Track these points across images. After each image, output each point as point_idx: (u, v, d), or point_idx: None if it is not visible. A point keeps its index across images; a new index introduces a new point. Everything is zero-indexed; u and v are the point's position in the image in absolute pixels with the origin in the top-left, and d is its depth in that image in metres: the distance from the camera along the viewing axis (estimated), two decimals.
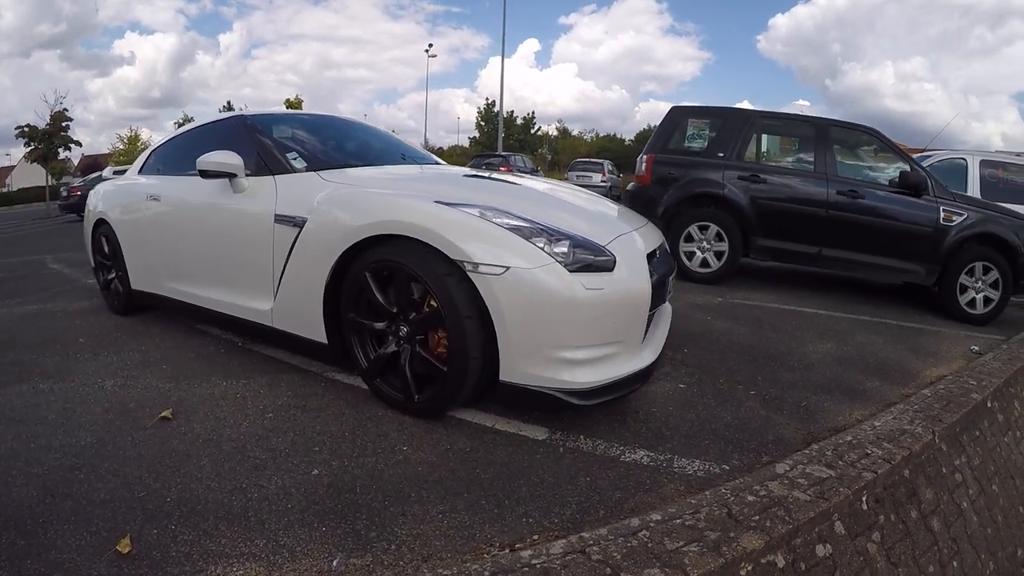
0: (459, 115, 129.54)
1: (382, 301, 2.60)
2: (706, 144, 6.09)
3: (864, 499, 2.27)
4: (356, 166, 3.51)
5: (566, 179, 21.95)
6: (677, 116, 6.35)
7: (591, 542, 1.79)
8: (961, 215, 5.33)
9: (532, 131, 54.05)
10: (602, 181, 22.56)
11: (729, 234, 5.77)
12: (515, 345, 2.26)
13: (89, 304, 5.07)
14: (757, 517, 1.92)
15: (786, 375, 3.40)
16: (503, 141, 31.33)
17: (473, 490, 2.13)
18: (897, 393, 3.30)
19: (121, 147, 44.03)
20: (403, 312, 2.58)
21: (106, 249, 4.55)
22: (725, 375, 3.33)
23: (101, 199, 4.68)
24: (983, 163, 7.32)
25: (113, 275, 4.56)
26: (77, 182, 20.25)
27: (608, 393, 2.38)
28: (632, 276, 2.43)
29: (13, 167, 62.79)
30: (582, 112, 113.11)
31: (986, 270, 5.31)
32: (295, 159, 3.33)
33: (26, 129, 27.56)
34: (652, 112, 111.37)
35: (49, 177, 30.34)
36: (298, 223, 2.88)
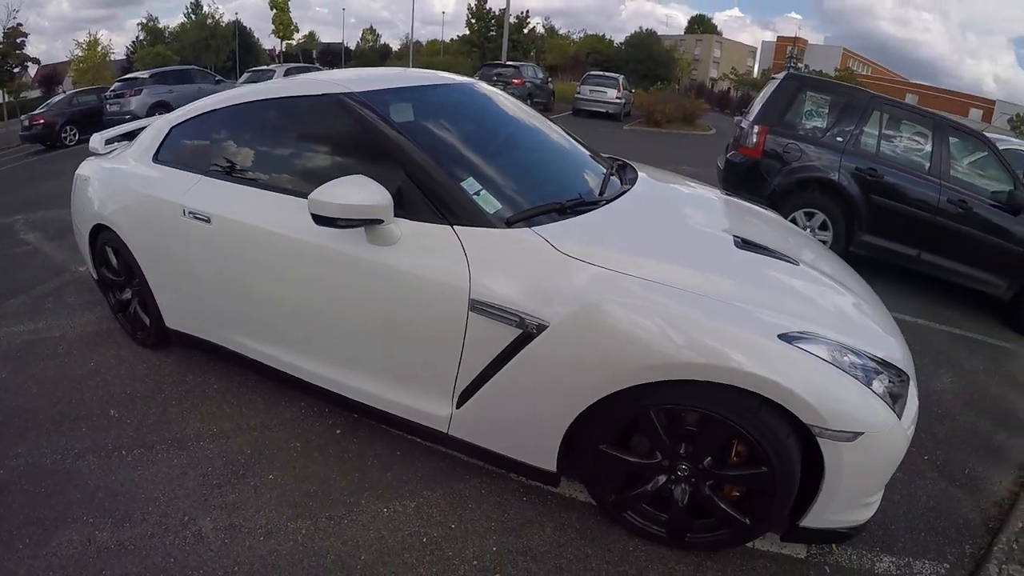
0: (442, 8, 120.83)
1: (667, 443, 1.94)
2: (825, 124, 5.44)
3: None
4: (565, 206, 2.24)
5: (577, 93, 20.04)
6: (793, 86, 5.63)
7: None
8: None
9: (525, 30, 47.99)
10: (617, 98, 19.22)
11: (835, 225, 5.32)
12: (836, 500, 1.87)
13: (95, 320, 3.76)
14: None
15: (939, 428, 3.21)
16: (502, 44, 28.57)
17: None
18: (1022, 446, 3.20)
19: (80, 54, 39.24)
20: (694, 457, 1.97)
21: (115, 263, 3.28)
22: None
23: (100, 195, 3.21)
24: None
25: (130, 296, 3.34)
26: (40, 109, 16.42)
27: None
28: (913, 391, 2.00)
29: None
30: (565, 6, 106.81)
31: None
32: (478, 194, 2.11)
33: None
34: (638, 11, 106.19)
35: (5, 95, 26.40)
36: (525, 325, 1.87)
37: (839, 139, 5.27)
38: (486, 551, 2.01)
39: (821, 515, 1.90)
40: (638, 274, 1.86)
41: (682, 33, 64.63)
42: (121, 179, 3.11)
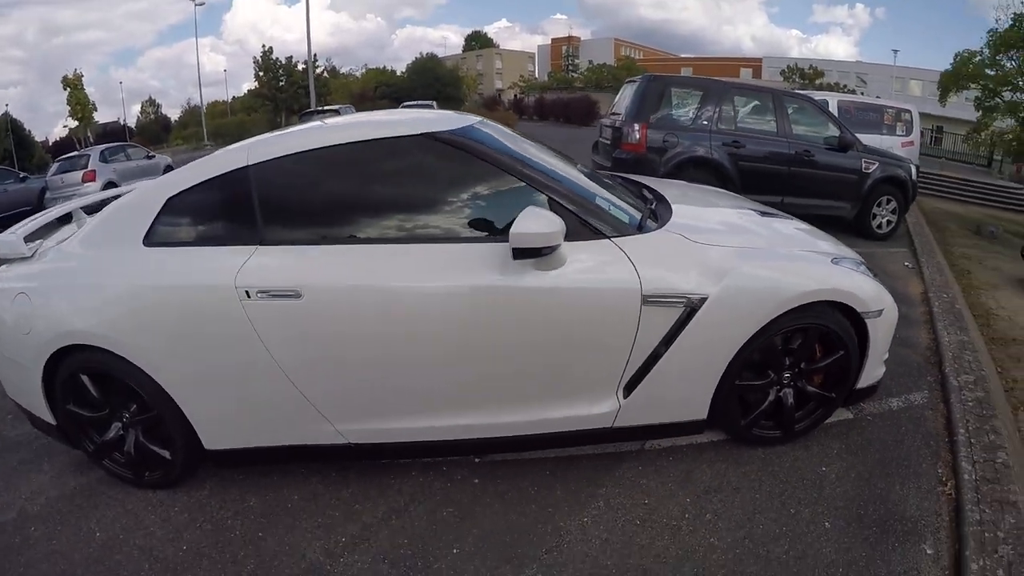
0: (213, 67, 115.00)
1: (780, 360, 2.67)
2: (692, 113, 6.61)
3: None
4: (652, 211, 2.78)
5: None
6: (659, 86, 6.74)
7: None
8: (874, 164, 6.79)
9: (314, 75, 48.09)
10: None
11: None
12: (873, 361, 2.76)
13: (52, 479, 2.90)
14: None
15: None
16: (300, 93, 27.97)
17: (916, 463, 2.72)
18: (918, 312, 4.63)
19: None
20: (793, 365, 2.70)
21: (95, 394, 2.59)
22: None
23: (63, 309, 2.48)
24: (840, 102, 9.59)
25: (122, 432, 2.66)
26: None
27: None
28: None
29: None
30: (338, 46, 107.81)
31: (887, 201, 6.98)
32: (610, 209, 2.51)
33: None
34: (409, 38, 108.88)
35: None
36: (690, 303, 2.36)
37: (705, 123, 6.46)
38: (684, 506, 2.44)
39: (867, 375, 2.78)
40: (740, 246, 2.60)
41: (461, 52, 67.83)
42: (99, 278, 2.49)
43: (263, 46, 46.45)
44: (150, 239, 2.47)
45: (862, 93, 28.63)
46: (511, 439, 2.55)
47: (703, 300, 2.37)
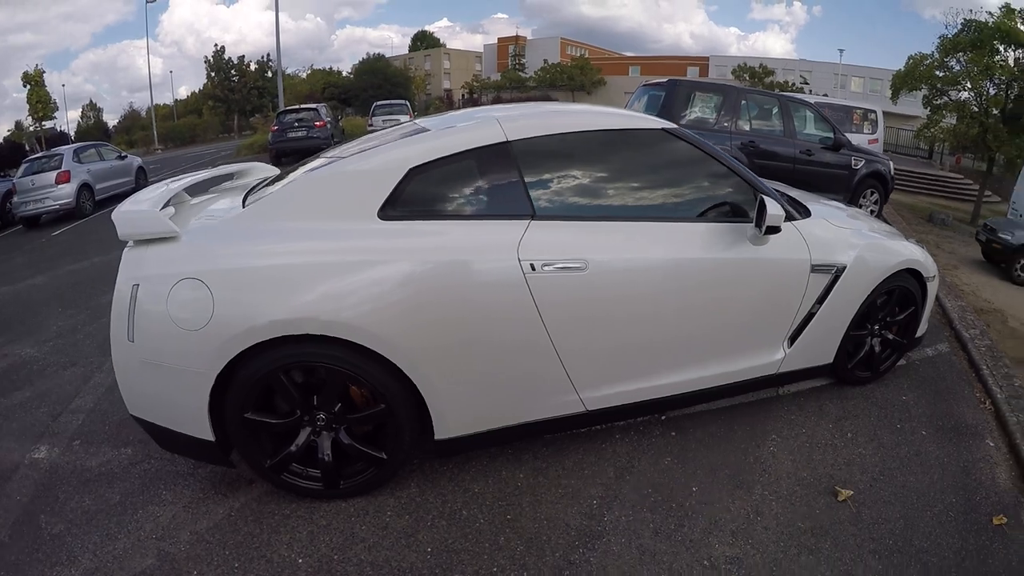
0: (154, 69, 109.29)
1: (877, 315, 3.44)
2: (714, 115, 7.38)
3: None
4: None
5: (370, 125, 19.76)
6: (684, 90, 7.52)
7: None
8: (861, 161, 7.93)
9: (268, 74, 46.50)
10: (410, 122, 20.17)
11: None
12: (924, 316, 3.61)
13: (210, 494, 2.57)
14: None
15: None
16: (237, 91, 27.28)
17: None
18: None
19: None
20: (882, 318, 3.47)
21: (294, 395, 2.33)
22: None
23: (272, 293, 2.19)
24: (815, 103, 10.37)
25: (313, 438, 2.41)
26: None
27: None
28: None
29: None
30: (274, 46, 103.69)
31: (871, 193, 8.14)
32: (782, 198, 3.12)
33: None
34: (349, 39, 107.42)
35: None
36: (836, 271, 3.08)
37: (725, 124, 7.30)
38: (830, 431, 3.13)
39: (920, 328, 3.62)
40: (855, 228, 3.37)
41: (407, 52, 67.62)
42: (321, 256, 2.25)
43: (215, 45, 45.53)
44: (388, 211, 2.33)
45: (810, 91, 30.38)
46: (703, 392, 3.00)
47: (843, 268, 3.12)
